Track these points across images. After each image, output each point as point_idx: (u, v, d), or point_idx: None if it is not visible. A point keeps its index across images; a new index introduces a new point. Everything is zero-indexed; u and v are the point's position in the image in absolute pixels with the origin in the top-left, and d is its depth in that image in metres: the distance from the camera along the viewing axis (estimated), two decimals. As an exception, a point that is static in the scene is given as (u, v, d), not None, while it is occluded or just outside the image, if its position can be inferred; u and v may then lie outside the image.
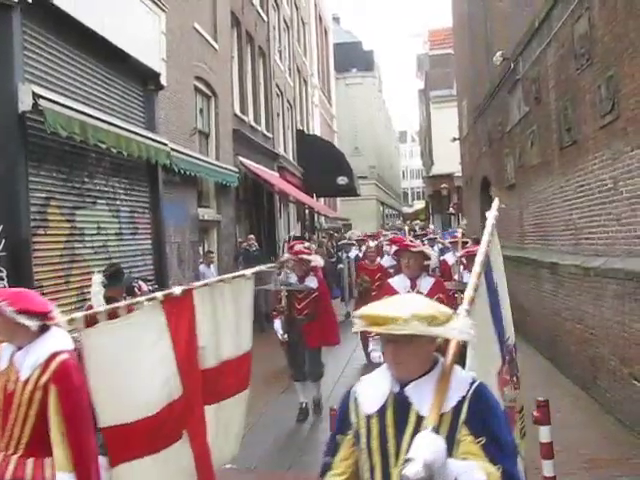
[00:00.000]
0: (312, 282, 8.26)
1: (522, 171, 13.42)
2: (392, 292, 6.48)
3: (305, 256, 8.25)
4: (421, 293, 6.12)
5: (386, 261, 11.97)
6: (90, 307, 5.94)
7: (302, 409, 8.37)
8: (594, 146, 8.59)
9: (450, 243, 12.61)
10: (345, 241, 19.53)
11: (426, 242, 18.17)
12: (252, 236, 16.80)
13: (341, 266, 17.09)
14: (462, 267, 8.60)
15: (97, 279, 5.68)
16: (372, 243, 13.65)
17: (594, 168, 8.62)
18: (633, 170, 7.34)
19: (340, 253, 18.70)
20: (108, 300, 5.66)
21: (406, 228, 20.46)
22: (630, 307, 7.22)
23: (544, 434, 5.43)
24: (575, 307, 9.30)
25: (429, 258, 6.79)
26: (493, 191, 8.36)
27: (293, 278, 8.34)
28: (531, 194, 12.56)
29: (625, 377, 7.47)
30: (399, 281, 6.72)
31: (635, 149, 7.25)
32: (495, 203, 5.17)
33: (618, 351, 7.67)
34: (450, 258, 10.97)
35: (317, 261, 8.51)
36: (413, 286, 6.49)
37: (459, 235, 10.93)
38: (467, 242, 10.86)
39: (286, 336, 8.18)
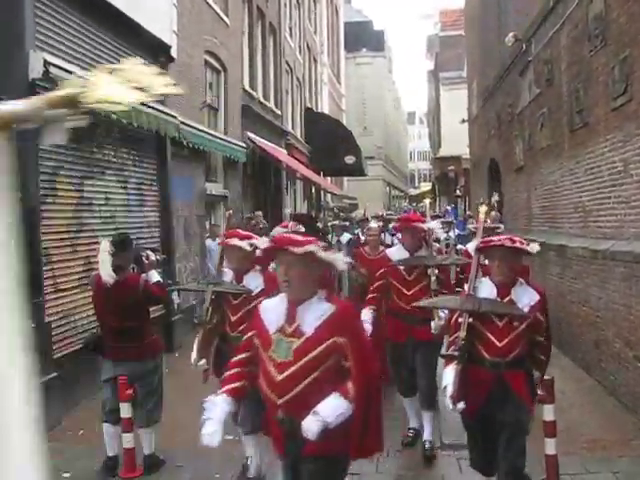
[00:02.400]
0: (254, 281, 5.53)
1: (531, 154, 13.36)
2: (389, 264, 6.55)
3: (238, 242, 5.46)
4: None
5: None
6: (98, 275, 5.96)
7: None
8: (605, 128, 8.54)
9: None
10: (336, 222, 16.67)
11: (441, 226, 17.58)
12: (260, 213, 16.18)
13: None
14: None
15: (104, 247, 5.67)
16: (374, 224, 9.72)
17: (604, 150, 8.57)
18: (644, 153, 7.30)
19: (330, 236, 14.57)
20: (115, 269, 5.68)
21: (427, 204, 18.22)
22: (637, 290, 7.21)
23: (548, 412, 5.45)
24: (581, 290, 9.29)
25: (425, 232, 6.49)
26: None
27: (229, 275, 5.74)
28: (540, 177, 12.52)
29: (629, 360, 7.47)
30: (397, 252, 6.66)
31: (647, 132, 7.21)
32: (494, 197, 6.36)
33: (623, 334, 7.67)
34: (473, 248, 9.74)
35: None
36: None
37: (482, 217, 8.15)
38: (498, 227, 9.21)
39: (203, 362, 5.43)
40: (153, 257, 6.05)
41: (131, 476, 5.82)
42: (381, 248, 8.44)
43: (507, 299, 4.48)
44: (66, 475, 5.98)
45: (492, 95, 18.97)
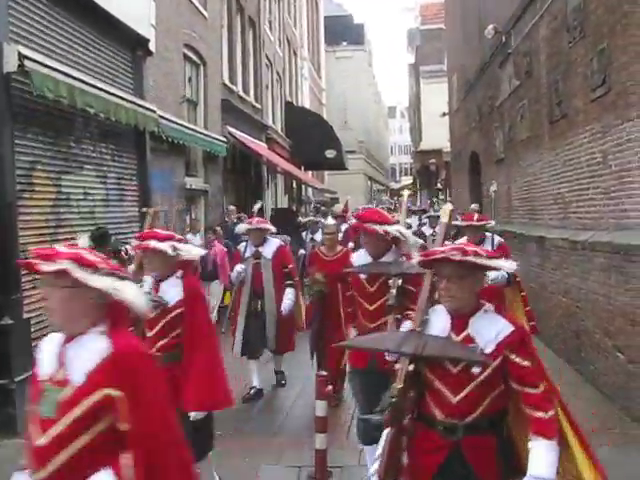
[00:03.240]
0: (171, 289, 4.79)
1: (511, 146, 13.41)
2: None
3: (155, 243, 4.72)
4: None
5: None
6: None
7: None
8: (584, 120, 8.58)
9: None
10: (309, 219, 15.26)
11: (426, 220, 17.16)
12: (233, 208, 15.34)
13: (302, 252, 12.96)
14: None
15: (83, 242, 5.63)
16: (331, 221, 8.76)
17: (584, 142, 8.61)
18: (623, 143, 7.34)
19: (304, 234, 14.00)
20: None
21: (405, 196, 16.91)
22: (616, 280, 7.26)
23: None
24: (561, 281, 9.35)
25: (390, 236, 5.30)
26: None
27: (147, 283, 4.92)
28: (519, 168, 12.57)
29: (609, 349, 7.53)
30: (360, 256, 5.51)
31: (625, 122, 7.25)
32: (494, 186, 6.48)
33: (603, 324, 7.72)
34: None
35: (189, 253, 4.93)
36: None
37: (444, 219, 6.07)
38: (488, 223, 7.76)
39: None
40: (132, 252, 6.00)
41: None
42: (339, 248, 8.02)
43: (463, 335, 3.22)
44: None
45: (472, 88, 19.01)
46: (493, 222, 7.81)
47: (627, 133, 7.20)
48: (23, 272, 7.48)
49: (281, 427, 7.11)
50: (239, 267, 7.94)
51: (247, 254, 8.02)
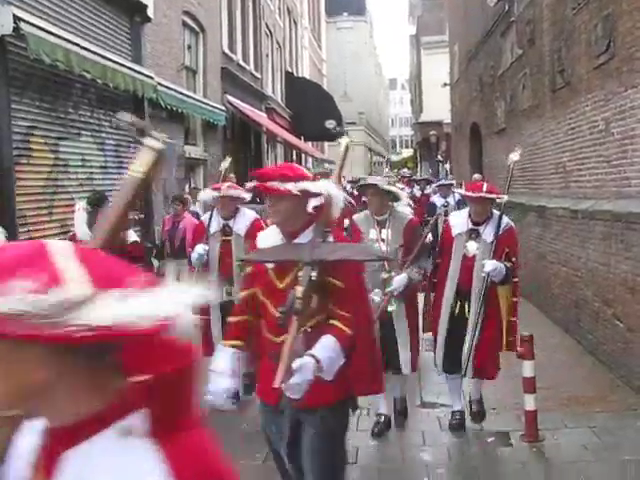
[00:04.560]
0: None
1: (512, 115, 13.30)
2: (358, 234, 5.65)
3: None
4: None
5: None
6: (73, 236, 5.87)
7: None
8: (587, 87, 8.48)
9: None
10: None
11: (432, 189, 16.66)
12: (232, 176, 14.98)
13: None
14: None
15: (81, 207, 5.59)
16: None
17: (586, 110, 8.52)
18: (625, 111, 7.25)
19: None
20: (91, 227, 5.58)
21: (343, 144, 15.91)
22: (617, 248, 7.22)
23: (527, 369, 5.50)
24: (561, 250, 9.31)
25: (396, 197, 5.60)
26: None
27: None
28: (520, 138, 12.46)
29: (608, 318, 7.51)
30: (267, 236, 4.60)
31: (629, 89, 7.15)
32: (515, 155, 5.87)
33: (602, 292, 7.70)
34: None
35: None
36: (381, 227, 5.60)
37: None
38: (499, 198, 5.78)
39: None
40: (130, 216, 5.95)
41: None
42: None
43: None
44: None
45: (474, 58, 18.83)
46: (505, 197, 5.71)
47: (630, 100, 7.11)
48: (20, 238, 7.46)
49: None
50: (201, 247, 6.30)
51: (213, 229, 6.39)
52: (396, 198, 5.66)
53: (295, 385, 2.90)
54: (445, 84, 28.32)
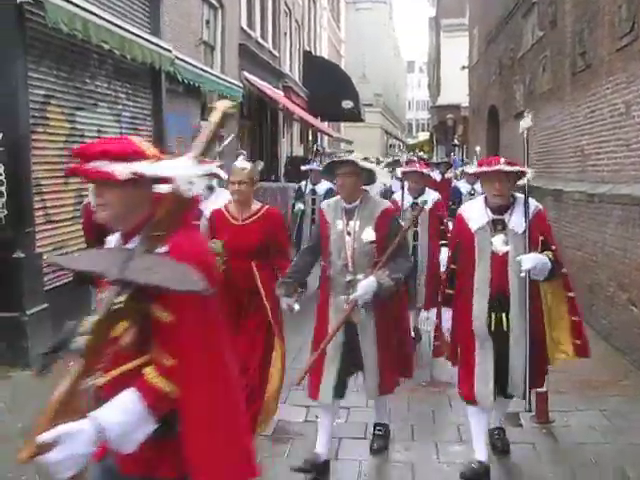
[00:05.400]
0: None
1: (531, 98, 13.17)
2: (324, 225, 4.77)
3: None
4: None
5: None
6: (88, 204, 5.85)
7: None
8: (609, 70, 8.38)
9: None
10: (312, 166, 11.55)
11: (460, 176, 16.00)
12: (243, 152, 14.87)
13: (300, 206, 10.68)
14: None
15: None
16: (242, 162, 5.27)
17: (607, 93, 8.43)
18: (647, 93, 7.17)
19: (304, 184, 11.10)
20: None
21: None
22: (633, 232, 7.15)
23: (539, 350, 5.44)
24: (577, 234, 9.24)
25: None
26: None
27: None
28: (539, 121, 12.34)
29: (623, 303, 7.46)
30: (333, 207, 4.77)
31: (652, 71, 7.07)
32: (526, 121, 4.51)
33: (617, 277, 7.64)
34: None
35: None
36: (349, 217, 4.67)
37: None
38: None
39: None
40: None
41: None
42: (256, 206, 5.09)
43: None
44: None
45: (494, 40, 18.66)
46: (530, 173, 4.40)
47: (653, 83, 7.04)
48: (36, 207, 7.48)
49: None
50: None
51: None
52: (371, 179, 4.73)
53: (55, 461, 2.00)
54: (464, 67, 28.10)
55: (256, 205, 5.11)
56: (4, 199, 6.96)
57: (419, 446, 5.19)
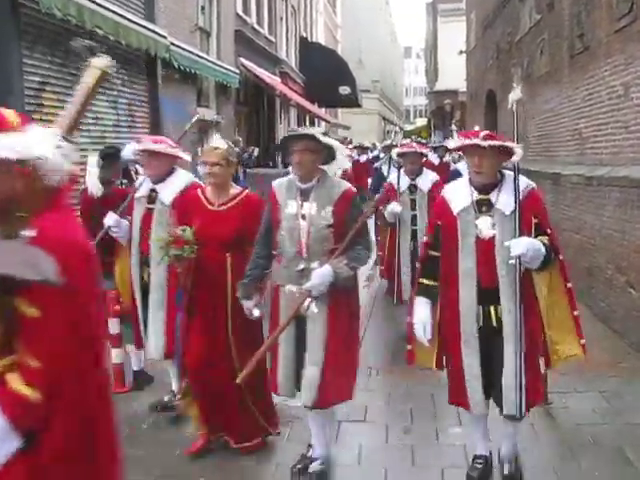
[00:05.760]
0: None
1: (529, 82, 13.10)
2: (275, 207, 4.23)
3: None
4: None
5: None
6: (85, 190, 5.84)
7: None
8: (607, 51, 8.33)
9: None
10: None
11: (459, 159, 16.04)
12: (239, 139, 14.75)
13: None
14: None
15: (92, 161, 5.54)
16: (218, 141, 4.60)
17: (605, 75, 8.38)
18: (646, 75, 7.13)
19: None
20: (103, 181, 5.55)
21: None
22: (632, 215, 7.14)
23: (538, 332, 5.44)
24: (575, 217, 9.22)
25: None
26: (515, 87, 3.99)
27: None
28: (536, 105, 12.32)
29: (621, 285, 7.45)
30: (286, 186, 4.26)
31: (650, 52, 7.03)
32: (516, 92, 3.98)
33: (616, 260, 7.63)
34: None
35: None
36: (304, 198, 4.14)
37: None
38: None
39: None
40: (142, 170, 5.88)
41: (119, 391, 5.80)
42: (235, 190, 4.64)
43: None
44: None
45: (491, 24, 18.58)
46: (519, 149, 3.86)
47: (651, 64, 7.00)
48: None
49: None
50: (112, 217, 5.31)
51: (139, 193, 5.22)
52: (331, 157, 4.20)
53: None
54: (461, 52, 27.99)
55: (235, 190, 4.66)
56: (1, 186, 6.92)
57: (418, 429, 5.19)
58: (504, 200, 3.86)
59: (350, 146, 20.73)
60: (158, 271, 4.98)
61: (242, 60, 17.13)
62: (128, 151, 5.54)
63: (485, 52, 20.13)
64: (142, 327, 5.32)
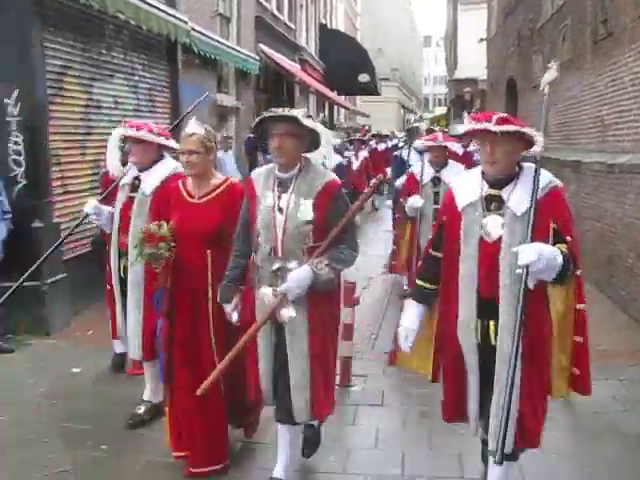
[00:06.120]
0: None
1: (549, 69, 13.01)
2: (253, 200, 3.80)
3: None
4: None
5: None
6: (106, 173, 5.84)
7: None
8: (631, 37, 8.24)
9: None
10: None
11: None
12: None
13: None
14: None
15: (116, 134, 5.22)
16: (195, 127, 4.13)
17: (629, 61, 8.30)
18: (670, 61, 7.06)
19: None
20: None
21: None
22: (654, 202, 7.09)
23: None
24: (596, 205, 9.16)
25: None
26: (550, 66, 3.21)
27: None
28: (558, 92, 12.21)
29: (642, 273, 7.41)
30: (265, 175, 3.82)
31: (675, 38, 6.95)
32: (551, 73, 3.33)
33: (637, 248, 7.57)
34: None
35: None
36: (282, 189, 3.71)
37: None
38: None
39: None
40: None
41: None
42: (217, 180, 4.22)
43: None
44: (76, 370, 6.03)
45: (512, 12, 18.46)
46: (540, 138, 3.22)
47: (676, 50, 6.92)
48: (54, 177, 7.51)
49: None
50: (91, 203, 5.13)
51: (124, 180, 5.00)
52: (315, 144, 3.74)
53: None
54: (482, 39, 27.80)
55: (217, 179, 4.23)
56: (23, 169, 6.99)
57: (435, 411, 5.18)
58: (517, 197, 3.24)
59: (369, 134, 20.68)
60: (135, 268, 4.65)
61: (262, 46, 17.11)
62: (115, 136, 5.01)
63: (506, 39, 19.99)
64: (120, 318, 5.09)
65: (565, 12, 11.73)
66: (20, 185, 7.02)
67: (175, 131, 5.38)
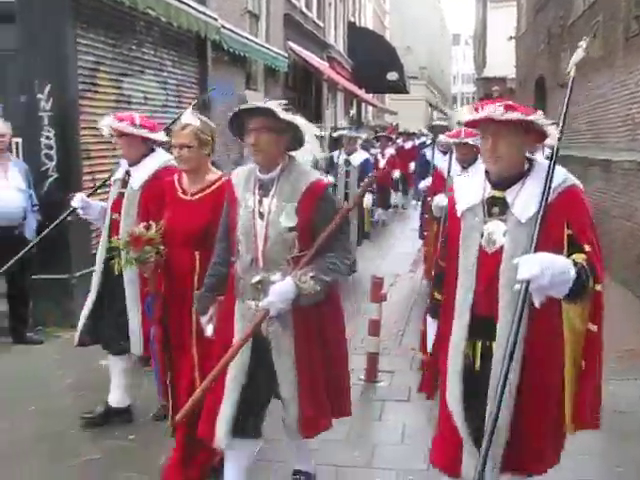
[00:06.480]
0: None
1: (580, 66, 12.86)
2: (234, 203, 3.40)
3: None
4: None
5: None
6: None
7: None
8: (664, 34, 8.17)
9: None
10: (343, 132, 11.00)
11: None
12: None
13: (331, 180, 8.65)
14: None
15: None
16: (191, 118, 3.81)
17: (661, 58, 8.22)
18: (703, 58, 6.97)
19: (336, 154, 10.16)
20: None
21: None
22: (685, 201, 7.01)
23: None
24: (626, 204, 9.08)
25: None
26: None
27: None
28: (587, 90, 12.10)
29: (672, 273, 7.33)
30: (246, 176, 3.43)
31: None
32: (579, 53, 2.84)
33: (667, 247, 7.51)
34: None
35: None
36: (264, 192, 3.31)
37: None
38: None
39: None
40: None
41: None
42: (214, 176, 3.90)
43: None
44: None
45: (543, 8, 18.31)
46: (553, 129, 2.77)
47: None
48: (84, 171, 7.61)
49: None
50: (78, 197, 4.86)
51: (115, 176, 4.78)
52: (299, 141, 3.33)
53: None
54: (511, 37, 27.60)
55: (213, 175, 3.90)
56: (54, 162, 7.10)
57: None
58: (524, 200, 2.75)
59: (396, 132, 20.71)
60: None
61: (290, 44, 17.16)
62: (104, 127, 4.56)
63: (536, 37, 19.83)
64: (86, 312, 4.84)
65: (597, 9, 11.62)
66: (51, 179, 7.13)
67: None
